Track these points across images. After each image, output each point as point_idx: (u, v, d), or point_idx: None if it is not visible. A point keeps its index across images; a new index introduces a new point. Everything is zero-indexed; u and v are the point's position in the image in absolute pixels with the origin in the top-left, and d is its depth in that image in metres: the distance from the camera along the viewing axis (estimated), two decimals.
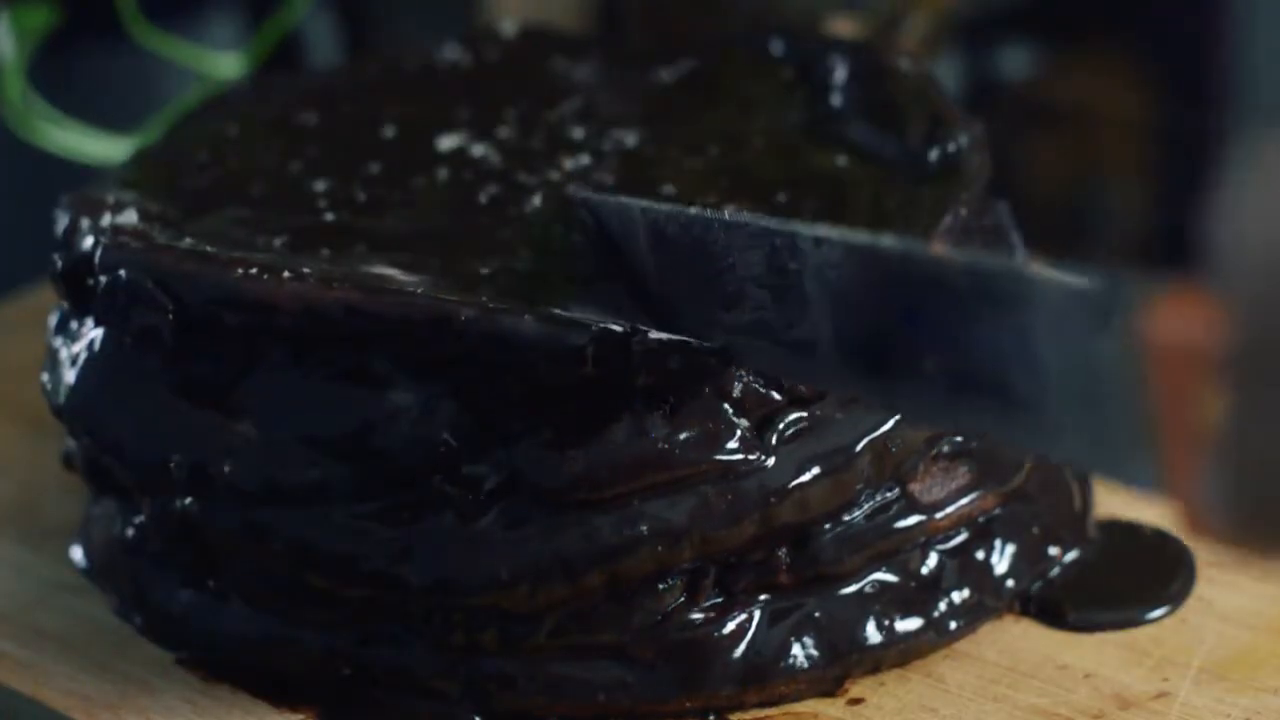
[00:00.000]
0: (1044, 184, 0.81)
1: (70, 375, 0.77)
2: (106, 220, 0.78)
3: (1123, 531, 0.81)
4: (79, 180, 0.84)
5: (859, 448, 0.73)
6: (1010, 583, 0.77)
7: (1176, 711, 0.72)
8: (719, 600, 0.73)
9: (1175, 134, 1.32)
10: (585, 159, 0.84)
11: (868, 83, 0.87)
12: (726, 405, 0.71)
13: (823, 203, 0.80)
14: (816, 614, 0.74)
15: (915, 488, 0.75)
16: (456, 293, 0.72)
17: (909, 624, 0.75)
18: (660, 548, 0.70)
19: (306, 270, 0.73)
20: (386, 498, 0.71)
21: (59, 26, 1.06)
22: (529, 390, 0.70)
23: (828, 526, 0.73)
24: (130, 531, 0.78)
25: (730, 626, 0.73)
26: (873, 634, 0.74)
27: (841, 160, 0.83)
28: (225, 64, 1.09)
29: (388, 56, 0.95)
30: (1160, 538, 0.80)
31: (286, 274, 0.72)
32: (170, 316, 0.74)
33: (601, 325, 0.70)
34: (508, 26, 0.96)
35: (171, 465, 0.73)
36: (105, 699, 0.75)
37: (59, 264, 0.78)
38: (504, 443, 0.70)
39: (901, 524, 0.75)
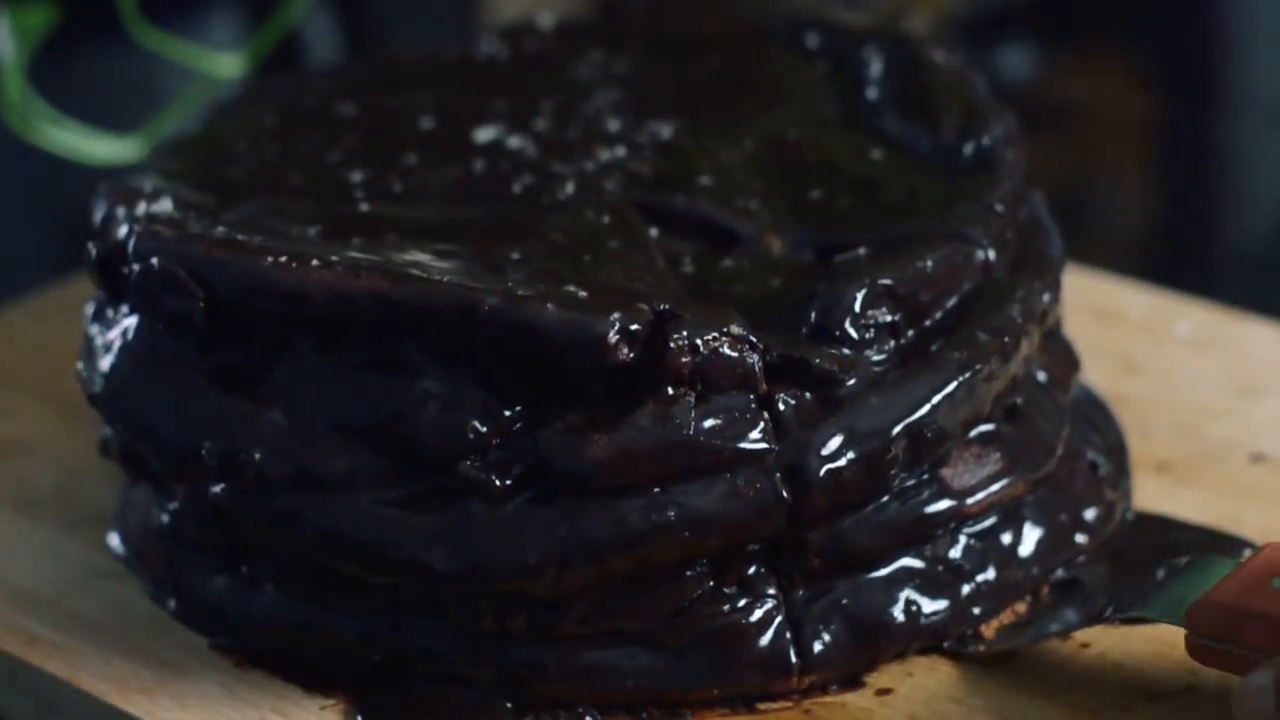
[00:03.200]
0: (1044, 183, 0.82)
1: (104, 363, 0.78)
2: (142, 209, 0.78)
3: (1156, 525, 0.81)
4: (78, 180, 0.85)
5: (895, 432, 0.73)
6: (1035, 569, 0.77)
7: (1204, 705, 0.72)
8: (747, 587, 0.73)
9: (1175, 134, 1.31)
10: (621, 151, 0.84)
11: (903, 76, 0.87)
12: (751, 393, 0.71)
13: (858, 197, 0.81)
14: (845, 600, 0.74)
15: (948, 473, 0.75)
16: (485, 280, 0.72)
17: (935, 607, 0.75)
18: (688, 534, 0.71)
19: (335, 259, 0.73)
20: (415, 484, 0.72)
21: (59, 26, 1.07)
22: (555, 377, 0.71)
23: (861, 511, 0.73)
24: (165, 518, 0.79)
25: (758, 614, 0.73)
26: (899, 618, 0.74)
27: (877, 154, 0.83)
28: (225, 63, 1.10)
29: (426, 50, 0.95)
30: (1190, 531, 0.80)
31: (315, 262, 0.73)
32: (201, 305, 0.74)
33: (626, 314, 0.70)
34: (545, 20, 0.96)
35: (203, 453, 0.74)
36: (140, 683, 0.76)
37: (94, 253, 0.79)
38: (531, 429, 0.71)
39: (933, 509, 0.74)
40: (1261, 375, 0.90)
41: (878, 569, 0.74)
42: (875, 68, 0.88)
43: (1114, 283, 0.97)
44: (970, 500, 0.75)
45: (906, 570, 0.75)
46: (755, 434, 0.71)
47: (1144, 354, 0.91)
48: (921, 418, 0.73)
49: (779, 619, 0.73)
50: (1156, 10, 1.46)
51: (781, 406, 0.72)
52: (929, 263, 0.76)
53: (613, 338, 0.70)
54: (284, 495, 0.73)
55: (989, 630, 0.75)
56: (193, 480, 0.75)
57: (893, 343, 0.74)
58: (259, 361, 0.74)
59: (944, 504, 0.75)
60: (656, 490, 0.71)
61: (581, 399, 0.71)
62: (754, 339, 0.71)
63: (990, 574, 0.76)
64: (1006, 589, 0.76)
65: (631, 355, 0.70)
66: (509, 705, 0.74)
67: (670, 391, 0.71)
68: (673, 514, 0.71)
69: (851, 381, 0.72)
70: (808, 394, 0.72)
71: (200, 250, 0.75)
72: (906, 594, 0.74)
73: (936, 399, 0.73)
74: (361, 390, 0.72)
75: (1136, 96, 1.37)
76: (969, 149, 0.82)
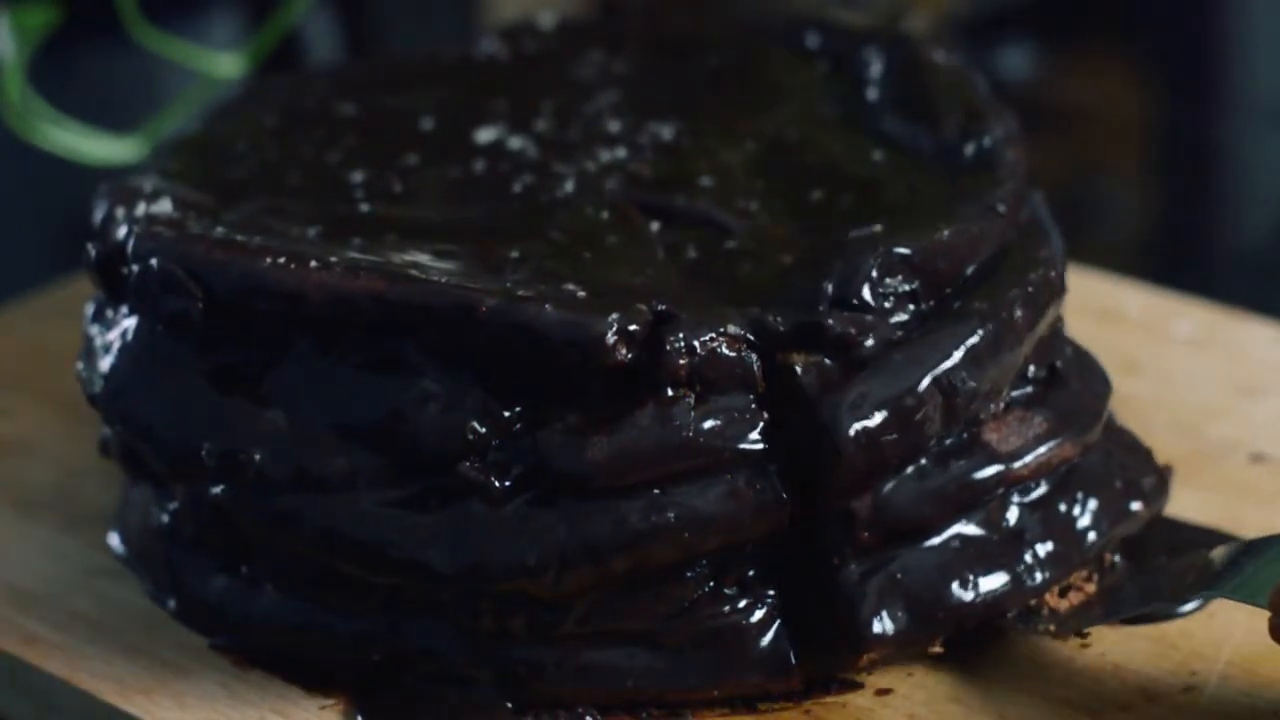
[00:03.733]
0: (1044, 184, 0.82)
1: (104, 363, 0.78)
2: (141, 209, 0.78)
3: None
4: (78, 180, 0.85)
5: (924, 386, 0.72)
6: (1093, 535, 0.76)
7: (1204, 705, 0.72)
8: (747, 588, 0.73)
9: (1175, 134, 1.31)
10: (621, 151, 0.84)
11: (903, 76, 0.87)
12: (750, 393, 0.71)
13: (858, 198, 0.81)
14: (900, 574, 0.73)
15: (992, 436, 0.74)
16: (483, 281, 0.72)
17: (994, 578, 0.74)
18: (688, 534, 0.71)
19: (334, 259, 0.73)
20: (414, 485, 0.72)
21: (59, 26, 1.07)
22: (554, 377, 0.71)
23: (902, 475, 0.72)
24: (165, 518, 0.79)
25: (758, 615, 0.73)
26: (959, 591, 0.73)
27: (877, 154, 0.83)
28: (225, 63, 1.10)
29: (427, 50, 0.96)
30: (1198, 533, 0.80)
31: (314, 263, 0.73)
32: (201, 305, 0.74)
33: (624, 314, 0.70)
34: (545, 20, 0.96)
35: (203, 453, 0.74)
36: (139, 683, 0.76)
37: (93, 253, 0.79)
38: (530, 430, 0.71)
39: (980, 474, 0.73)
40: (1261, 375, 0.90)
41: (930, 539, 0.73)
42: (875, 68, 0.88)
43: (1114, 283, 0.97)
44: (1018, 463, 0.74)
45: (961, 540, 0.73)
46: (754, 434, 0.71)
47: (1143, 354, 0.91)
48: (949, 369, 0.72)
49: (779, 620, 0.73)
50: (1156, 10, 1.46)
51: (800, 372, 0.71)
52: (945, 232, 0.75)
53: (611, 338, 0.70)
54: (283, 495, 0.73)
55: (1058, 604, 0.75)
56: (192, 480, 0.75)
57: (912, 307, 0.74)
58: (258, 362, 0.74)
59: (991, 469, 0.73)
60: (656, 491, 0.71)
61: (581, 399, 0.71)
62: (752, 337, 0.71)
63: (1049, 544, 0.75)
64: (1066, 559, 0.75)
65: (629, 356, 0.70)
66: (508, 705, 0.74)
67: (669, 392, 0.71)
68: (672, 514, 0.70)
69: (870, 343, 0.72)
70: (827, 360, 0.71)
71: (200, 250, 0.75)
72: (963, 566, 0.73)
73: (962, 350, 0.72)
74: (361, 391, 0.72)
75: (1136, 96, 1.37)
76: (969, 149, 0.82)
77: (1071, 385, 0.77)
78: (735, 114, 0.87)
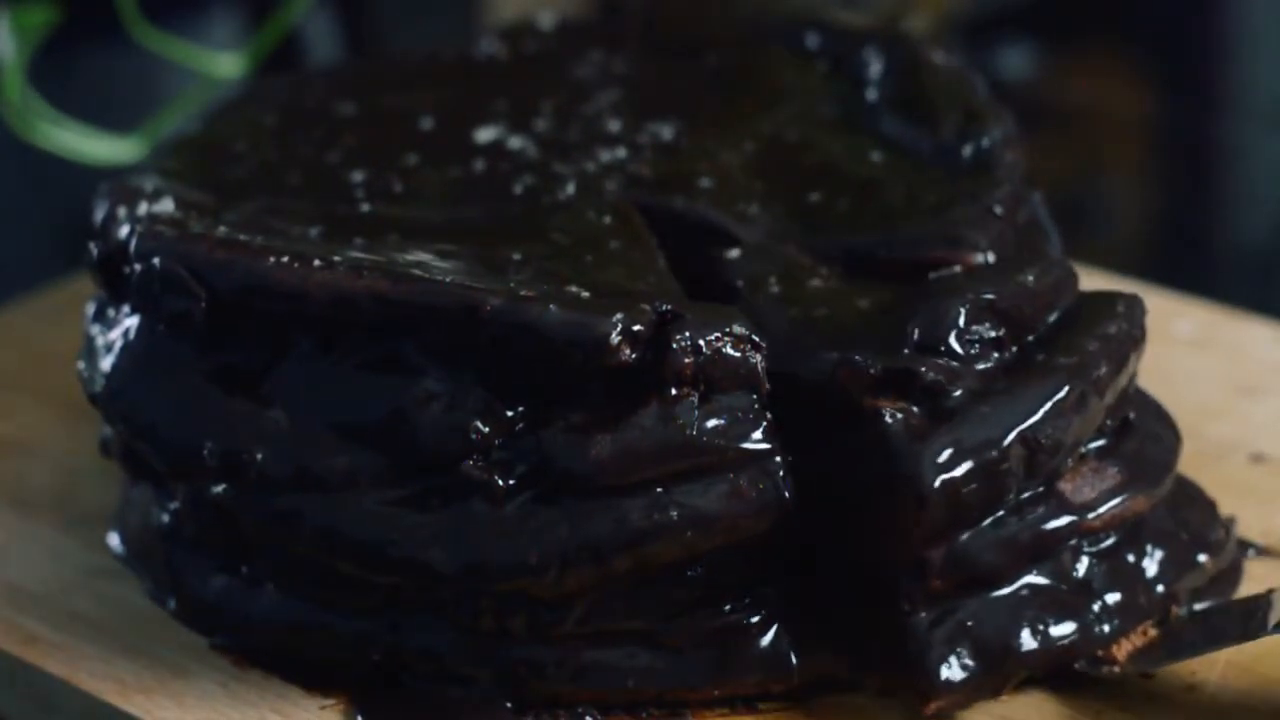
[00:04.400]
0: (1044, 184, 0.82)
1: (105, 363, 0.78)
2: (143, 209, 0.78)
3: None
4: (78, 180, 0.85)
5: (1009, 441, 0.71)
6: (1160, 587, 0.75)
7: (1204, 705, 0.72)
8: (747, 589, 0.73)
9: (1175, 134, 1.32)
10: (622, 152, 0.84)
11: (902, 77, 0.87)
12: (754, 393, 0.71)
13: (856, 199, 0.81)
14: (970, 623, 0.72)
15: (1066, 487, 0.73)
16: (486, 280, 0.72)
17: (1064, 628, 0.73)
18: (690, 534, 0.71)
19: (336, 259, 0.73)
20: (416, 484, 0.72)
21: (59, 26, 1.07)
22: (557, 377, 0.71)
23: (979, 527, 0.71)
24: (165, 517, 0.79)
25: (758, 615, 0.73)
26: (1028, 641, 0.72)
27: (876, 155, 0.83)
28: (225, 63, 1.10)
29: (427, 49, 0.96)
30: None
31: (316, 262, 0.73)
32: (203, 304, 0.74)
33: (628, 314, 0.70)
34: (545, 20, 0.96)
35: (204, 452, 0.74)
36: (139, 683, 0.76)
37: (95, 252, 0.79)
38: (533, 429, 0.71)
39: (1053, 524, 0.72)
40: (1261, 375, 0.90)
41: (1000, 588, 0.72)
42: (874, 68, 0.89)
43: (1114, 283, 0.97)
44: (1091, 515, 0.73)
45: (1031, 590, 0.73)
46: (758, 434, 0.71)
47: (1144, 354, 0.91)
48: (1034, 425, 0.71)
49: (778, 621, 0.73)
50: (1156, 10, 1.46)
51: (889, 420, 0.70)
52: (1030, 277, 0.75)
53: (615, 338, 0.70)
54: (285, 495, 0.73)
55: (1120, 652, 0.74)
56: (193, 480, 0.75)
57: (997, 356, 0.73)
58: (260, 361, 0.74)
59: (1064, 519, 0.73)
60: (659, 490, 0.70)
61: (584, 399, 0.71)
62: (756, 338, 0.71)
63: (1117, 594, 0.74)
64: (1135, 609, 0.74)
65: (633, 356, 0.70)
66: (508, 705, 0.73)
67: (673, 391, 0.70)
68: (675, 514, 0.70)
69: (958, 392, 0.71)
70: (915, 408, 0.71)
71: (202, 250, 0.75)
72: (1033, 615, 0.72)
73: (1048, 406, 0.71)
74: (363, 390, 0.72)
75: (1136, 96, 1.37)
76: (968, 150, 0.82)
77: (1143, 436, 0.76)
78: (735, 114, 0.87)
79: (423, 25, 1.42)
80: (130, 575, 0.81)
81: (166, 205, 0.79)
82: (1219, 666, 0.73)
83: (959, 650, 0.71)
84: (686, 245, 0.79)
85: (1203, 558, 0.77)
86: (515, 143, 0.86)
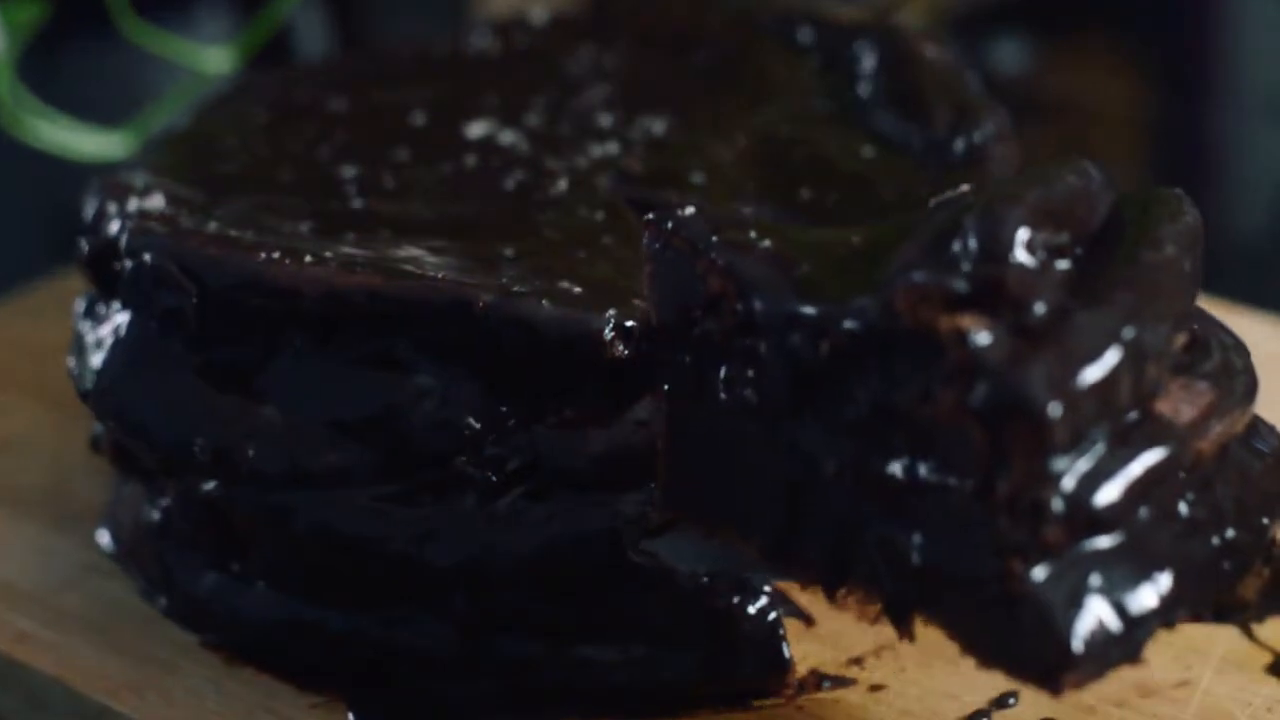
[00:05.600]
0: None
1: (96, 360, 0.77)
2: (133, 205, 0.78)
3: None
4: (68, 176, 0.85)
5: (1116, 354, 0.61)
6: (1264, 518, 0.67)
7: (1198, 700, 0.72)
8: (743, 585, 0.73)
9: (1169, 127, 1.32)
10: (613, 147, 0.84)
11: (894, 71, 0.87)
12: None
13: (848, 193, 0.80)
14: (1093, 576, 0.61)
15: (1165, 409, 0.64)
16: (479, 277, 0.72)
17: (1187, 573, 0.63)
18: None
19: (329, 255, 0.73)
20: (409, 480, 0.72)
21: (48, 21, 1.06)
22: (551, 373, 0.70)
23: (1088, 456, 0.61)
24: (156, 515, 0.79)
25: (754, 610, 0.73)
26: (1157, 591, 0.62)
27: (868, 150, 0.83)
28: (215, 59, 1.10)
29: (418, 44, 0.95)
30: None
31: (309, 258, 0.73)
32: (194, 300, 0.74)
33: (622, 310, 0.70)
34: (536, 14, 0.96)
35: (196, 449, 0.73)
36: (130, 680, 0.76)
37: (86, 248, 0.78)
38: (526, 425, 0.71)
39: (1166, 450, 0.63)
40: (1258, 370, 0.89)
41: (1114, 533, 0.62)
42: (866, 63, 0.88)
43: None
44: (1199, 434, 0.64)
45: (1145, 532, 0.62)
46: None
47: None
48: (1139, 330, 0.62)
49: (774, 615, 0.73)
50: (1150, 4, 1.46)
51: (982, 342, 0.60)
52: (1072, 177, 0.65)
53: (608, 334, 0.70)
54: (277, 491, 0.73)
55: (1249, 591, 0.67)
56: (185, 476, 0.75)
57: (1065, 263, 0.63)
58: (252, 357, 0.74)
59: (1174, 444, 0.63)
60: (651, 486, 0.70)
61: (577, 395, 0.70)
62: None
63: (1231, 530, 0.65)
64: (1247, 546, 0.66)
65: (627, 352, 0.70)
66: (501, 702, 0.73)
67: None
68: None
69: (1039, 304, 0.61)
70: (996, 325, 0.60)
71: (193, 246, 0.75)
72: (1153, 561, 0.62)
73: (1145, 310, 0.62)
74: (355, 386, 0.72)
75: (1130, 89, 1.37)
76: (959, 145, 0.82)
77: (1221, 348, 0.68)
78: (726, 109, 0.87)
79: (413, 20, 1.43)
80: (121, 573, 0.81)
81: (157, 201, 0.79)
82: (1213, 661, 0.73)
83: (1089, 610, 0.61)
84: None
85: None
86: (507, 138, 0.85)
